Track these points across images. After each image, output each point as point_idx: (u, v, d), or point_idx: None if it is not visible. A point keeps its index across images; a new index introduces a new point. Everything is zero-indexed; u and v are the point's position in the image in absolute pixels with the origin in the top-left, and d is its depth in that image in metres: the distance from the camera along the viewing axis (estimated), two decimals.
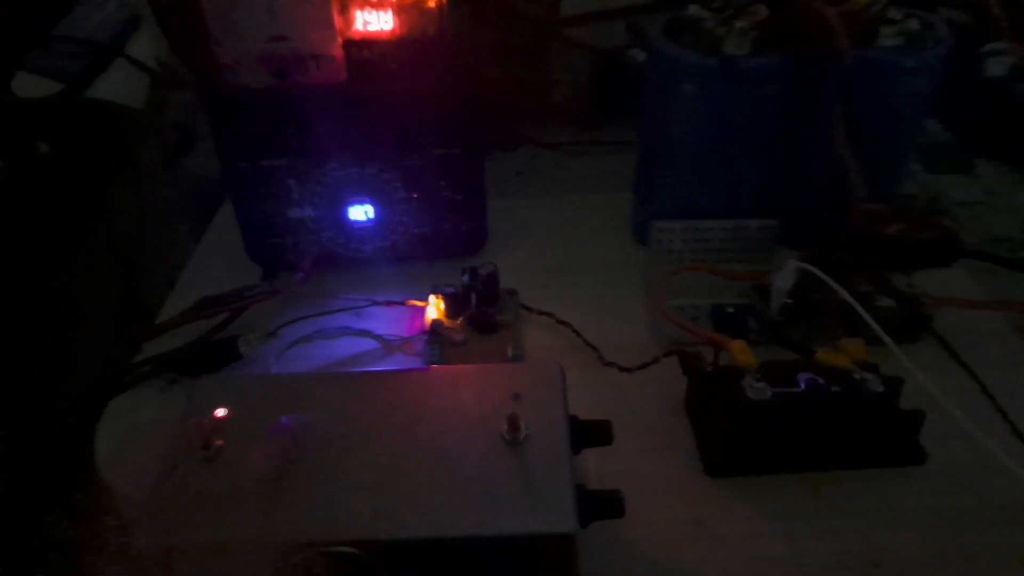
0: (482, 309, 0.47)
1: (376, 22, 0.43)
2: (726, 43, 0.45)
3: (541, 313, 0.48)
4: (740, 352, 0.37)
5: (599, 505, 0.31)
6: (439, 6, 0.43)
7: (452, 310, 0.47)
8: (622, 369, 0.43)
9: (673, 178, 0.51)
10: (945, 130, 0.70)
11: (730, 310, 0.45)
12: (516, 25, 0.71)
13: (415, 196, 0.50)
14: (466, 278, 0.47)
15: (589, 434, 0.33)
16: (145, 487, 0.30)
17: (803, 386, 0.36)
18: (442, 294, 0.47)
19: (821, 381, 0.36)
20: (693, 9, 0.47)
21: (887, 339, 0.36)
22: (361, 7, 0.43)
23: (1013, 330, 0.47)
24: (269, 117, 0.46)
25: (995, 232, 0.58)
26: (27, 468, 0.48)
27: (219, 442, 0.32)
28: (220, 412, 0.33)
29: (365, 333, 0.47)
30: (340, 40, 0.43)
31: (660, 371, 0.43)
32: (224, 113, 0.46)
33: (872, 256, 0.43)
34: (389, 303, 0.48)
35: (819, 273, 0.39)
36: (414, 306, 0.48)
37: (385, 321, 0.48)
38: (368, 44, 0.44)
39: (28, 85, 0.73)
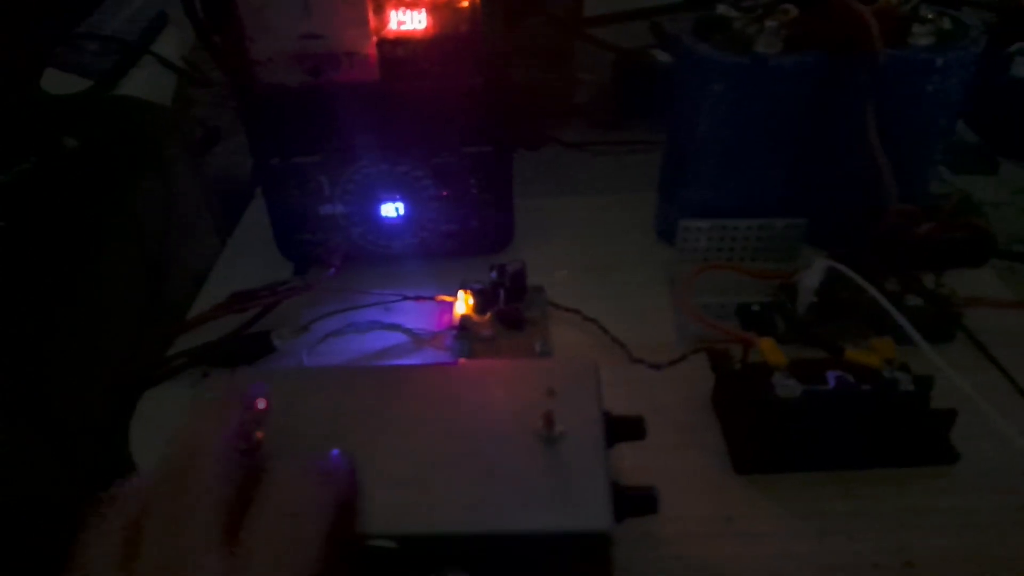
0: (510, 305, 0.48)
1: (410, 21, 0.43)
2: (757, 42, 0.45)
3: (568, 310, 0.49)
4: (770, 350, 0.38)
5: (633, 502, 0.31)
6: (472, 5, 0.43)
7: (480, 306, 0.47)
8: (652, 366, 0.43)
9: (699, 177, 0.51)
10: (970, 131, 0.69)
11: (756, 308, 0.45)
12: (539, 25, 0.71)
13: (445, 194, 0.50)
14: (494, 275, 0.48)
15: (622, 429, 0.34)
16: None
17: (833, 384, 0.36)
18: (470, 290, 0.48)
19: (851, 379, 0.36)
20: (722, 8, 0.47)
21: (917, 337, 0.36)
22: (396, 6, 0.43)
23: None
24: (302, 114, 0.46)
25: (1020, 233, 0.58)
26: (59, 466, 0.49)
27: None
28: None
29: (395, 327, 0.48)
30: (374, 39, 0.44)
31: (687, 368, 0.44)
32: (257, 110, 0.47)
33: (903, 256, 0.43)
34: (419, 298, 0.49)
35: (849, 272, 0.39)
36: (443, 301, 0.49)
37: (414, 316, 0.49)
38: (401, 43, 0.44)
39: (56, 82, 0.74)
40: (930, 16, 0.44)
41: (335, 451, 0.30)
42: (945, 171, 0.64)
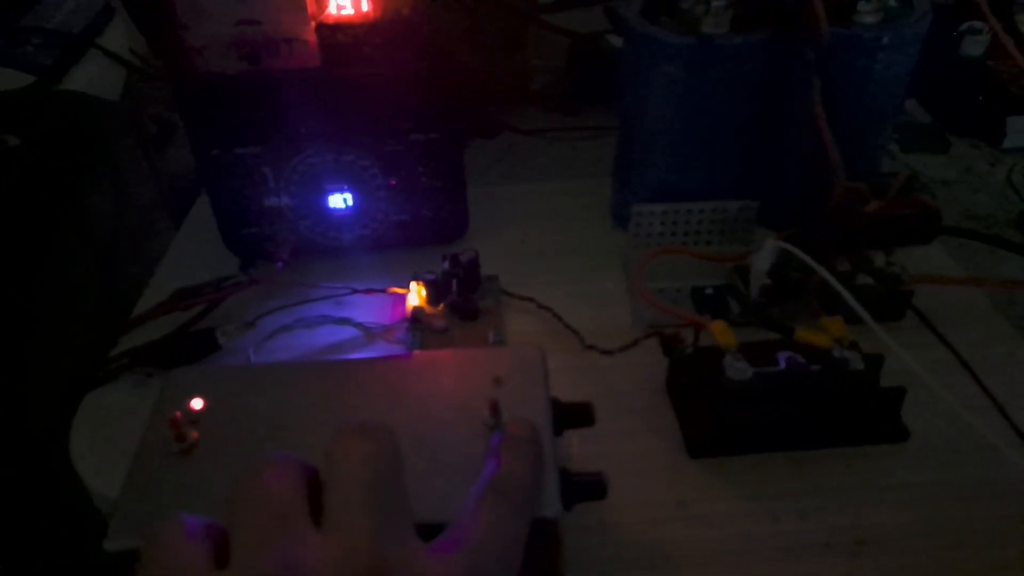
0: (463, 295, 0.47)
1: (349, 5, 0.42)
2: (704, 22, 0.45)
3: (522, 298, 0.48)
4: (721, 332, 0.37)
5: (582, 488, 0.31)
6: None
7: (433, 297, 0.47)
8: (603, 352, 0.43)
9: (652, 161, 0.51)
10: (922, 109, 0.70)
11: (709, 291, 0.45)
12: (493, 12, 0.70)
13: (393, 183, 0.49)
14: (447, 264, 0.47)
15: (571, 416, 0.33)
16: (119, 484, 0.30)
17: (783, 365, 0.36)
18: (423, 281, 0.47)
19: (801, 360, 0.36)
20: None
21: (866, 315, 0.36)
22: None
23: (992, 306, 0.47)
24: (242, 103, 0.45)
25: (972, 210, 0.58)
26: (4, 465, 0.48)
27: (195, 435, 0.31)
28: (196, 403, 0.33)
29: (346, 321, 0.47)
30: (313, 24, 0.43)
31: (642, 354, 0.43)
32: (195, 100, 0.45)
33: (852, 234, 0.43)
34: (369, 291, 0.48)
35: (797, 252, 0.39)
36: (395, 293, 0.48)
37: (366, 309, 0.48)
38: (342, 28, 0.43)
39: None
40: None
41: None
42: (897, 150, 0.65)
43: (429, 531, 0.28)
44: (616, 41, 0.71)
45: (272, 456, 0.24)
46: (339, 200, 0.49)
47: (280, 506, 0.23)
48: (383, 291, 0.48)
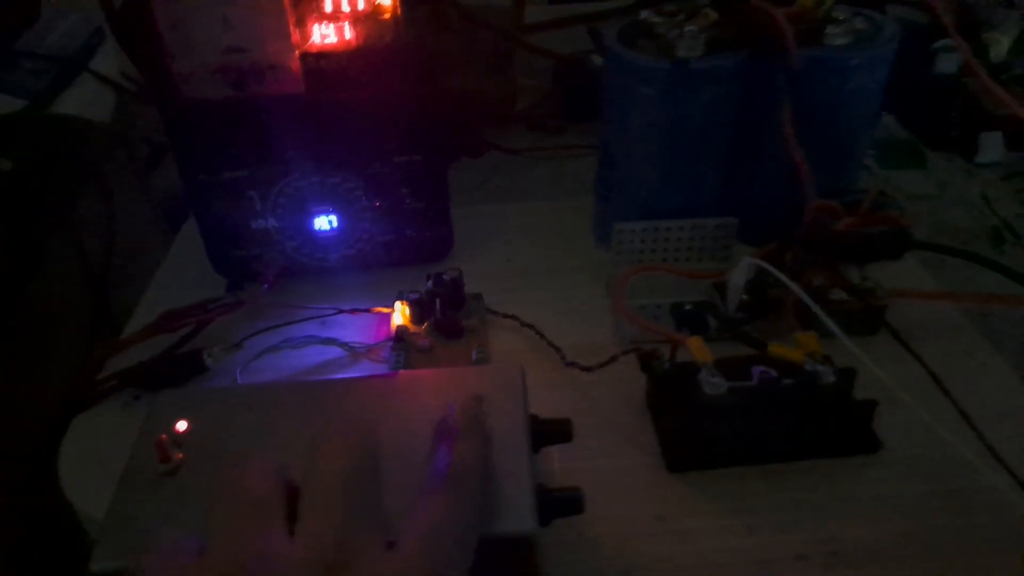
0: (447, 314, 0.48)
1: (333, 34, 0.43)
2: (679, 46, 0.46)
3: (506, 316, 0.49)
4: (697, 348, 0.38)
5: (559, 503, 0.31)
6: (395, 17, 0.43)
7: (418, 316, 0.47)
8: (583, 368, 0.44)
9: (632, 179, 0.52)
10: (901, 126, 0.71)
11: (688, 308, 0.46)
12: (480, 33, 0.72)
13: (378, 204, 0.50)
14: (431, 284, 0.48)
15: (549, 432, 0.34)
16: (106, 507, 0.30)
17: (756, 379, 0.36)
18: (407, 300, 0.47)
19: (774, 373, 0.36)
20: (645, 14, 0.48)
21: (836, 329, 0.37)
22: (318, 20, 0.43)
23: (967, 319, 0.48)
24: (228, 128, 0.46)
25: (948, 224, 0.60)
26: None
27: (179, 455, 0.32)
28: (181, 425, 0.33)
29: (331, 341, 0.47)
30: (297, 52, 0.44)
31: (624, 370, 0.44)
32: (182, 124, 0.46)
33: (825, 251, 0.44)
34: (355, 311, 0.48)
35: (770, 268, 0.40)
36: (380, 313, 0.48)
37: (351, 329, 0.48)
38: (325, 55, 0.44)
39: None
40: (841, 17, 0.45)
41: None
42: (875, 165, 0.66)
43: None
44: (599, 61, 0.72)
45: (255, 455, 0.25)
46: (325, 222, 0.50)
47: (257, 500, 0.24)
48: (368, 311, 0.48)
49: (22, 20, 0.87)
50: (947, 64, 0.67)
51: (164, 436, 0.32)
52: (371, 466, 0.26)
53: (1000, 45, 0.69)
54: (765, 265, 0.41)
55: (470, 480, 0.27)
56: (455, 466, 0.27)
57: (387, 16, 0.43)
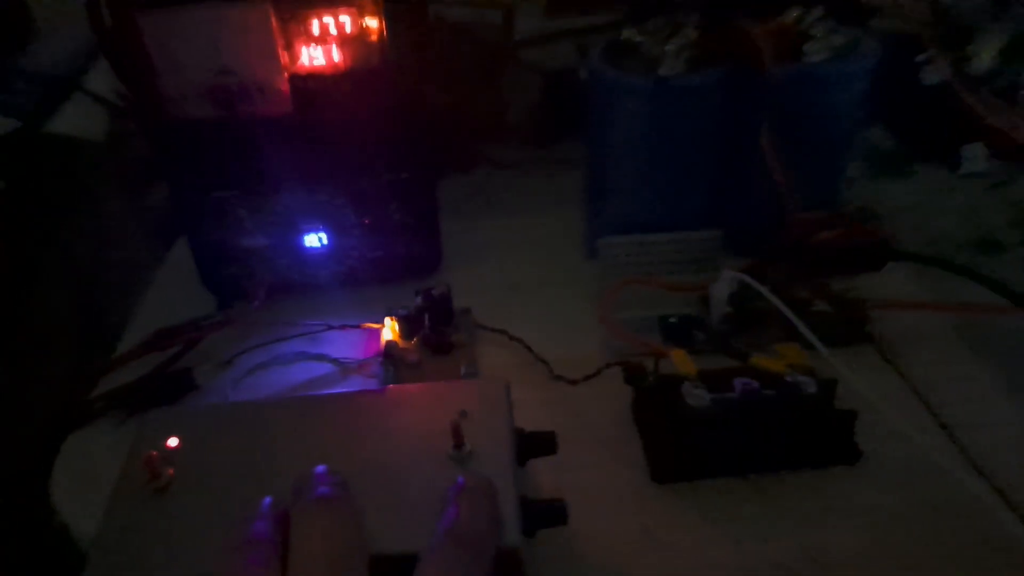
0: (436, 329, 0.48)
1: (321, 56, 0.44)
2: (661, 64, 0.47)
3: (495, 330, 0.49)
4: (680, 361, 0.39)
5: (543, 514, 0.32)
6: (381, 39, 0.44)
7: (407, 331, 0.48)
8: (570, 381, 0.44)
9: (618, 193, 0.52)
10: (888, 136, 0.72)
11: (673, 320, 0.46)
12: (469, 49, 0.73)
13: (367, 221, 0.51)
14: (419, 299, 0.48)
15: (534, 445, 0.34)
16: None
17: (738, 390, 0.37)
18: (396, 316, 0.48)
19: (755, 385, 0.37)
20: (627, 32, 0.49)
21: (815, 340, 0.37)
22: (306, 43, 0.44)
23: (952, 329, 0.49)
24: (217, 148, 0.46)
25: (935, 233, 0.60)
26: None
27: (170, 472, 0.32)
28: (172, 441, 0.34)
29: (321, 357, 0.48)
30: (286, 74, 0.44)
31: (610, 383, 0.44)
32: (171, 144, 0.47)
33: (808, 263, 0.44)
34: (344, 327, 0.49)
35: (752, 282, 0.41)
36: (369, 329, 0.49)
37: (341, 345, 0.49)
38: (313, 77, 0.45)
39: None
40: (819, 34, 0.46)
41: (320, 469, 0.31)
42: (862, 176, 0.67)
43: (395, 562, 0.30)
44: (585, 75, 0.73)
45: (251, 535, 0.26)
46: (314, 239, 0.51)
47: None
48: (358, 327, 0.49)
49: (15, 40, 0.87)
50: (932, 75, 0.68)
51: (155, 453, 0.32)
52: (355, 535, 0.27)
53: (985, 55, 0.70)
54: (746, 278, 0.41)
55: (478, 542, 0.27)
56: (465, 526, 0.27)
57: (374, 38, 0.44)
